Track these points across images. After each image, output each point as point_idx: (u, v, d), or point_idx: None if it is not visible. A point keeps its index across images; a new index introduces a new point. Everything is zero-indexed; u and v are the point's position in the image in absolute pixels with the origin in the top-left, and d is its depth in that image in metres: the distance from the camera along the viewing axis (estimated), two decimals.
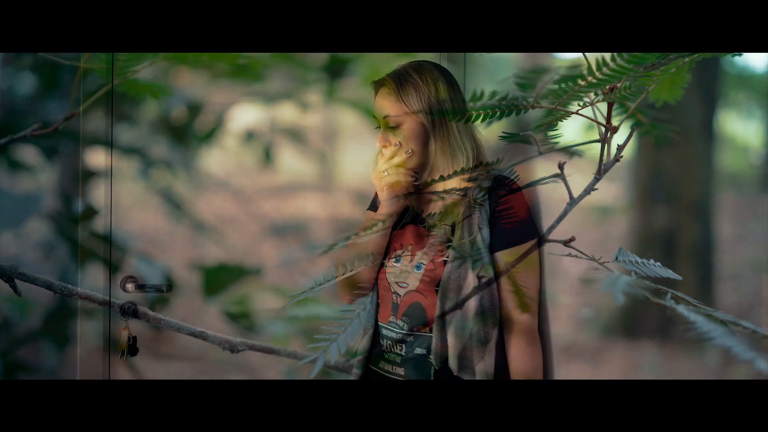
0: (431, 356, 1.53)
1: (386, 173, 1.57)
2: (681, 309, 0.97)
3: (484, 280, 1.44)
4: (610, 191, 4.95)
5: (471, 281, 1.46)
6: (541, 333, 1.53)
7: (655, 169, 4.57)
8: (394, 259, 1.63)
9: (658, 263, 1.14)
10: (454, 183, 1.51)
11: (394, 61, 2.12)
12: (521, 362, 1.49)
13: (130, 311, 1.65)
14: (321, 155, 3.60)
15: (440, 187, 1.48)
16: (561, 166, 1.18)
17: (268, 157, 3.18)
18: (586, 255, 1.13)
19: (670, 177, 4.65)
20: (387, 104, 1.59)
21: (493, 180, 1.52)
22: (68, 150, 2.56)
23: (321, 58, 3.16)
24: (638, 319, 4.83)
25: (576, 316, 4.34)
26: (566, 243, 1.14)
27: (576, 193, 1.23)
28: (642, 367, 4.26)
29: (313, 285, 1.54)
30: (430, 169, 1.57)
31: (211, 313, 2.37)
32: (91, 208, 2.25)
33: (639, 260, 1.12)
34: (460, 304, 1.45)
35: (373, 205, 1.75)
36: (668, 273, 1.15)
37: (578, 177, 1.43)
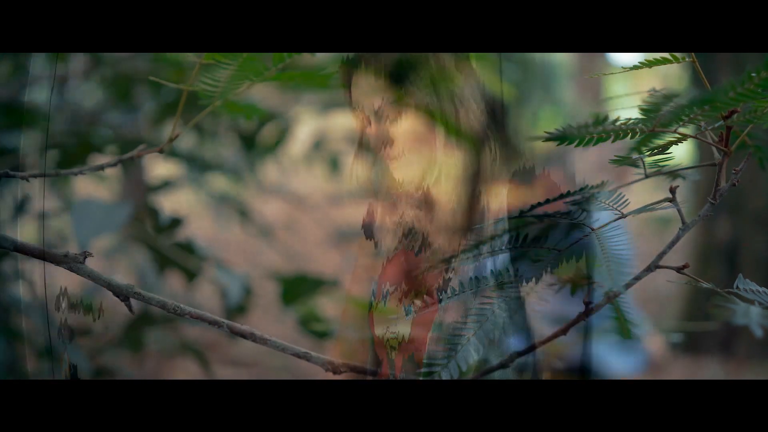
0: None
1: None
2: None
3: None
4: None
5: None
6: None
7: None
8: (382, 300, 1.30)
9: None
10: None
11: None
12: None
13: (66, 336, 1.45)
14: (380, 161, 3.59)
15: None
16: (673, 191, 1.16)
17: (335, 166, 3.19)
18: (705, 283, 1.10)
19: (734, 186, 4.53)
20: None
21: None
22: (140, 160, 2.62)
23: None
24: (700, 333, 4.73)
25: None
26: (680, 270, 1.12)
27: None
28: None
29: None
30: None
31: (287, 323, 2.40)
32: (177, 220, 2.29)
33: (761, 289, 1.09)
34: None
35: (369, 232, 1.48)
36: None
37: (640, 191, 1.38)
